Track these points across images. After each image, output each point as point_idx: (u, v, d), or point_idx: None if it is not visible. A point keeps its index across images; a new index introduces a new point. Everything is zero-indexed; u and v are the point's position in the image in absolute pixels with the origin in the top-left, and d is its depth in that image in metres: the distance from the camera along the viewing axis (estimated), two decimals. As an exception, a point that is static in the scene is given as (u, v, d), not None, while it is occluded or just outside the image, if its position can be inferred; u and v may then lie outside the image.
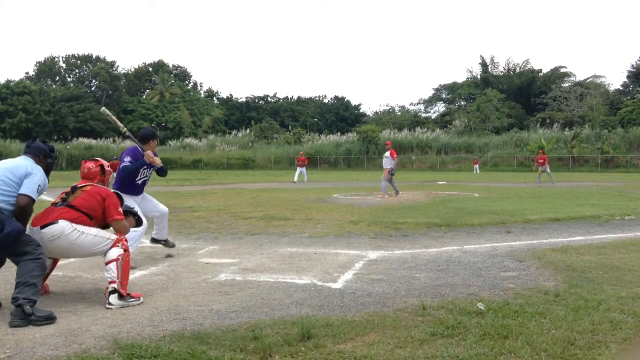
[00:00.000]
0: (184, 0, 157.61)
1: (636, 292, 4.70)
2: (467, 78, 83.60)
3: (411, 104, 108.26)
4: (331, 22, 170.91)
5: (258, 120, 79.18)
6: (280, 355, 3.28)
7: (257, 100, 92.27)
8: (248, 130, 74.10)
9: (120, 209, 4.89)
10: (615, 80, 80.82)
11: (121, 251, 4.61)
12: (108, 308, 4.41)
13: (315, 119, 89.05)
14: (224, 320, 4.02)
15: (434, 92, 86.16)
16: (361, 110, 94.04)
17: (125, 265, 4.60)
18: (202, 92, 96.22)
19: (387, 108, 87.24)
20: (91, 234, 4.60)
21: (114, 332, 3.76)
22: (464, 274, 5.62)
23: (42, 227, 4.46)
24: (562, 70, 76.70)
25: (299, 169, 28.56)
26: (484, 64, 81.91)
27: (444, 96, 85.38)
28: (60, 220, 4.49)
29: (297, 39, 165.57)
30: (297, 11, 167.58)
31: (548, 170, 26.81)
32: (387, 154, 17.31)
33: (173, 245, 7.01)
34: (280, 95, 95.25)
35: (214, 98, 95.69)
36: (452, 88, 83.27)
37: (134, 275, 5.58)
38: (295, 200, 14.56)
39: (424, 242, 7.74)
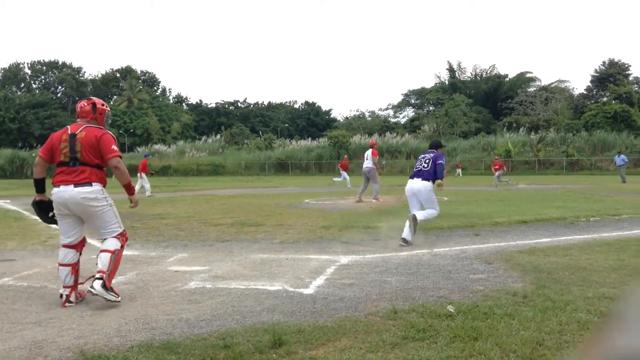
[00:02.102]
0: (152, 6, 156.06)
1: (602, 292, 4.80)
2: (436, 83, 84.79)
3: (381, 109, 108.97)
4: (302, 27, 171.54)
5: (228, 125, 78.69)
6: (252, 363, 3.24)
7: (227, 106, 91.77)
8: (218, 136, 73.59)
9: (114, 147, 4.94)
10: (580, 84, 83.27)
11: (119, 245, 4.87)
12: (89, 291, 4.61)
13: (286, 125, 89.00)
14: (193, 329, 3.97)
15: (403, 97, 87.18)
16: (332, 116, 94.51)
17: (117, 260, 4.84)
18: (171, 97, 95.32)
19: (358, 113, 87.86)
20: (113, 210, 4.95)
21: (80, 343, 3.67)
22: (434, 277, 5.67)
23: (76, 185, 4.74)
24: (528, 75, 78.41)
25: (343, 174, 28.30)
26: (451, 70, 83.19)
27: (412, 101, 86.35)
28: (94, 183, 4.82)
29: (268, 45, 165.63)
30: (267, 16, 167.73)
31: (498, 174, 27.24)
32: (369, 152, 16.67)
33: None
34: (251, 101, 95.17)
35: (183, 104, 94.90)
36: (420, 93, 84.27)
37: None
38: (266, 206, 14.49)
39: (395, 246, 7.78)
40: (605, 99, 61.97)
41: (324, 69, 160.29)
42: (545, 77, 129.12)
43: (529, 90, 73.50)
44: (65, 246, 4.95)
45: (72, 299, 4.79)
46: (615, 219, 10.83)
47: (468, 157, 54.53)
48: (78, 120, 5.12)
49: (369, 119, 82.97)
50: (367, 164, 16.56)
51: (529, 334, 3.66)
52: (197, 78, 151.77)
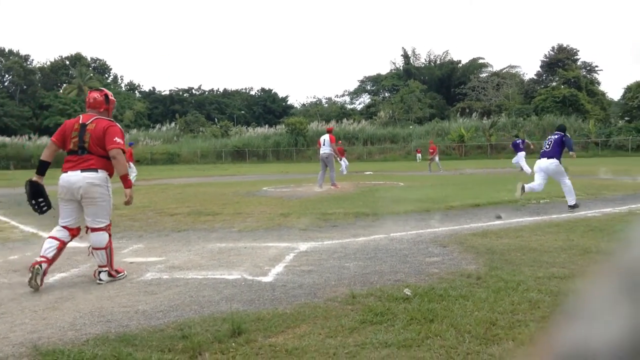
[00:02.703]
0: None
1: (552, 272, 4.98)
2: (391, 70, 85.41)
3: (337, 95, 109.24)
4: (256, 12, 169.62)
5: (183, 113, 77.31)
6: (211, 353, 3.23)
7: (181, 93, 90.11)
8: (172, 124, 72.24)
9: (117, 139, 5.26)
10: (530, 70, 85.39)
11: (107, 238, 5.26)
12: (99, 283, 5.08)
13: (243, 112, 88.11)
14: (150, 320, 3.92)
15: (359, 83, 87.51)
16: (289, 103, 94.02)
17: (111, 251, 5.30)
18: (123, 85, 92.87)
19: (314, 100, 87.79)
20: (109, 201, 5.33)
21: (33, 338, 3.58)
22: (391, 261, 5.76)
23: (82, 170, 5.12)
24: (480, 61, 79.83)
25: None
26: (406, 56, 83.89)
27: (368, 88, 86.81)
28: (100, 170, 5.20)
29: (222, 30, 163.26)
30: (221, 1, 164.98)
31: (437, 159, 27.99)
32: (327, 138, 16.35)
33: None
34: (206, 88, 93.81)
35: (136, 91, 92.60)
36: (376, 80, 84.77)
37: (54, 278, 5.35)
38: (223, 195, 14.36)
39: (353, 232, 7.85)
40: (554, 83, 63.72)
41: (280, 55, 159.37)
42: (497, 63, 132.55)
43: (481, 76, 74.90)
44: (62, 227, 5.23)
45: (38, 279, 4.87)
46: (565, 200, 11.20)
47: (423, 142, 55.32)
48: (89, 110, 5.44)
49: (326, 105, 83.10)
50: (325, 149, 16.35)
51: (482, 314, 3.77)
52: (150, 65, 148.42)
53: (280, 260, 5.96)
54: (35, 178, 5.29)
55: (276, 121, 75.03)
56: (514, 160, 24.37)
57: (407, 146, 54.63)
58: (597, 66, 69.93)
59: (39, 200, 5.30)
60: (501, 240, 6.74)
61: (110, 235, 5.32)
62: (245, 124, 76.35)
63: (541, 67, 68.15)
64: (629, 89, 56.81)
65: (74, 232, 5.29)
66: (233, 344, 3.36)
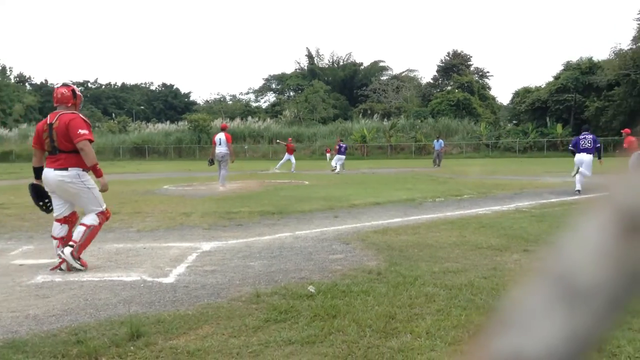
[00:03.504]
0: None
1: (447, 267, 5.25)
2: (296, 69, 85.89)
3: (242, 93, 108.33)
4: (158, 4, 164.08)
5: (78, 107, 73.16)
6: (108, 357, 3.11)
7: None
8: (66, 119, 68.16)
9: (81, 131, 5.34)
10: (427, 74, 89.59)
11: (96, 222, 5.47)
12: (59, 255, 5.29)
13: (142, 107, 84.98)
14: (42, 325, 3.69)
15: (264, 82, 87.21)
16: (191, 99, 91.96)
17: (91, 234, 5.43)
18: (12, 77, 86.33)
19: (219, 97, 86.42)
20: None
21: None
22: (296, 259, 5.81)
23: (55, 169, 5.34)
24: (381, 64, 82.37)
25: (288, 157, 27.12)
26: (310, 56, 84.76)
27: (273, 86, 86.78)
28: (70, 168, 5.36)
29: (120, 21, 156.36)
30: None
31: (330, 156, 28.89)
32: (222, 136, 15.78)
33: None
34: (102, 81, 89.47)
35: (26, 84, 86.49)
36: (281, 79, 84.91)
37: None
38: (121, 193, 13.76)
39: (258, 231, 7.83)
40: (449, 87, 66.98)
41: (183, 50, 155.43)
42: (396, 67, 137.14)
43: (382, 78, 77.21)
44: (56, 220, 5.57)
45: (62, 267, 5.32)
46: (458, 199, 11.84)
47: (327, 142, 56.21)
48: (57, 106, 5.58)
49: (230, 102, 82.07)
50: (221, 149, 15.71)
51: (382, 308, 3.90)
52: (42, 56, 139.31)
53: (182, 261, 5.82)
54: (36, 182, 5.62)
55: (178, 117, 73.02)
56: (333, 162, 26.32)
57: (312, 145, 55.23)
58: (488, 72, 74.59)
59: (45, 201, 5.65)
60: (400, 237, 7.00)
61: (100, 224, 5.59)
62: (144, 120, 73.65)
63: (437, 71, 71.38)
64: (516, 94, 61.00)
65: (66, 222, 5.58)
66: (132, 347, 3.24)
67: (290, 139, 33.43)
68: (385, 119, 61.09)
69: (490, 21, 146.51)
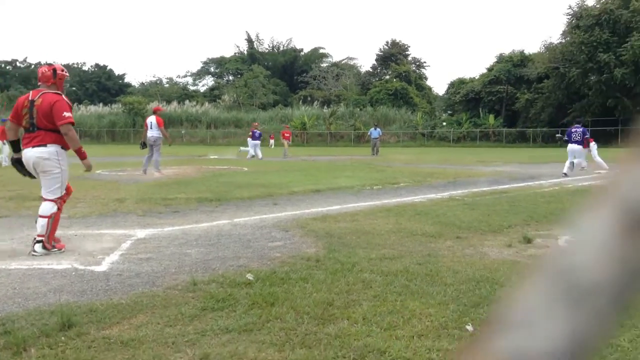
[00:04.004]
0: None
1: (384, 253, 5.34)
2: (235, 53, 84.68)
3: (179, 76, 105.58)
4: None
5: (5, 87, 69.45)
6: (38, 348, 2.99)
7: (3, 65, 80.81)
8: (-8, 99, 64.65)
9: (66, 113, 5.36)
10: (366, 62, 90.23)
11: (55, 209, 5.41)
12: (33, 255, 5.23)
13: (74, 88, 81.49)
14: (-37, 318, 3.50)
15: (202, 65, 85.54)
16: (126, 81, 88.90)
17: (54, 222, 5.40)
18: None
19: (155, 79, 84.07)
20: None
21: None
22: (234, 246, 5.76)
23: (33, 147, 5.33)
24: (321, 51, 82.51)
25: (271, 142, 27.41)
26: (250, 40, 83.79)
27: (212, 70, 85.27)
28: (49, 145, 5.36)
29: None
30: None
31: (272, 144, 28.96)
32: (154, 120, 15.09)
33: None
34: (32, 61, 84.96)
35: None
36: (220, 62, 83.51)
37: None
38: (51, 178, 13.19)
39: (195, 218, 7.71)
40: (387, 77, 67.95)
41: (117, 29, 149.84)
42: (337, 54, 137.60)
43: (322, 65, 77.42)
44: (43, 199, 5.51)
45: (36, 248, 5.34)
46: (395, 187, 12.07)
47: (267, 128, 55.89)
48: (40, 85, 5.60)
49: (167, 85, 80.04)
50: (153, 132, 15.04)
51: (320, 295, 3.93)
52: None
53: (115, 249, 5.66)
54: (16, 156, 5.58)
55: (112, 100, 70.59)
56: (246, 149, 27.55)
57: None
58: (425, 62, 76.11)
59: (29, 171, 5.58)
60: (339, 224, 7.07)
61: (59, 209, 5.52)
62: (76, 102, 70.73)
63: (376, 60, 72.19)
64: (452, 85, 62.62)
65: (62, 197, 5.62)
66: (62, 337, 3.13)
67: (287, 125, 33.64)
68: (325, 107, 61.36)
69: (427, 12, 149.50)
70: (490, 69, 57.28)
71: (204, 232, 6.58)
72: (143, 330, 3.27)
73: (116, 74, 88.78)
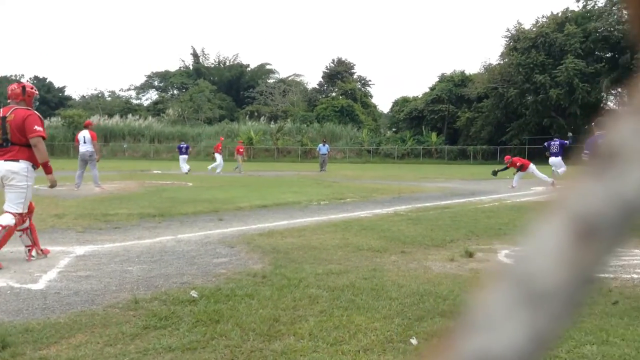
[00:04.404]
0: None
1: (330, 268, 5.36)
2: (180, 67, 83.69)
3: (122, 89, 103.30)
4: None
5: None
6: (-34, 373, 2.83)
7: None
8: None
9: (37, 127, 5.62)
10: (313, 79, 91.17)
11: (12, 222, 5.48)
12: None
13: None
14: None
15: (146, 79, 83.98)
16: (66, 93, 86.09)
17: (7, 234, 5.46)
18: None
19: (97, 92, 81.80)
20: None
21: None
22: (178, 263, 5.65)
23: (5, 160, 5.53)
24: (268, 67, 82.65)
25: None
26: (195, 55, 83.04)
27: (156, 84, 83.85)
28: (21, 160, 5.59)
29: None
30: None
31: (240, 160, 28.73)
32: (87, 134, 14.89)
33: None
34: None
35: None
36: (164, 76, 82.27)
37: None
38: (-17, 193, 12.61)
39: (137, 234, 7.52)
40: (334, 94, 68.67)
41: (57, 41, 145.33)
42: (283, 70, 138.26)
43: (269, 81, 77.48)
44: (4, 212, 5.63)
45: (33, 254, 5.73)
46: (341, 202, 12.17)
47: (212, 143, 55.27)
48: (10, 102, 5.81)
49: (109, 99, 78.05)
50: (87, 147, 14.82)
51: (267, 311, 3.91)
52: None
53: (53, 266, 5.45)
54: None
55: (51, 113, 68.22)
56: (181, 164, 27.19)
57: (196, 146, 54.07)
58: (370, 80, 77.52)
59: None
60: (285, 239, 7.06)
61: (15, 225, 5.56)
62: (13, 114, 67.91)
63: (323, 77, 72.83)
64: (396, 103, 63.94)
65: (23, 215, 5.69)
66: (-6, 361, 2.98)
67: (240, 141, 33.56)
68: (272, 122, 61.35)
69: (372, 32, 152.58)
70: (432, 88, 58.86)
71: (147, 249, 6.43)
72: (82, 350, 3.15)
73: (56, 86, 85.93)
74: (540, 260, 0.36)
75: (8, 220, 5.47)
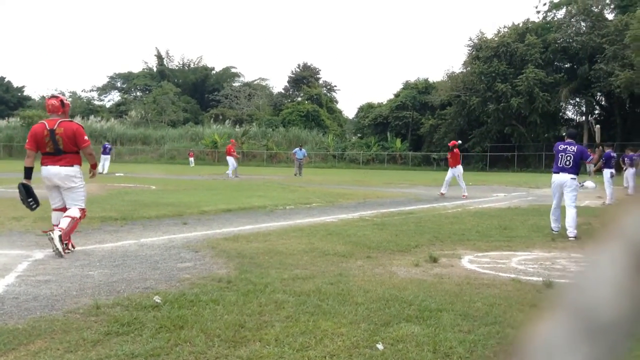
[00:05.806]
0: None
1: (296, 273, 5.35)
2: (143, 69, 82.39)
3: (84, 90, 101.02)
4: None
5: None
6: None
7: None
8: None
9: (86, 137, 6.51)
10: (278, 84, 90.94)
11: (78, 215, 6.32)
12: (47, 235, 6.05)
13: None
14: None
15: (108, 80, 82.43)
16: (25, 93, 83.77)
17: (74, 225, 6.27)
18: None
19: (57, 93, 79.86)
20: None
21: None
22: (141, 268, 5.55)
23: (61, 166, 6.31)
24: (233, 70, 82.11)
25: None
26: (159, 57, 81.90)
27: (119, 85, 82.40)
28: (75, 165, 6.41)
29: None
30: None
31: (192, 162, 28.31)
32: None
33: None
34: None
35: None
36: (127, 78, 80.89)
37: None
38: None
39: (99, 238, 7.37)
40: (299, 98, 68.70)
41: (15, 39, 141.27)
42: (249, 74, 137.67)
43: (234, 85, 76.98)
44: (54, 210, 6.48)
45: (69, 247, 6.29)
46: (307, 207, 12.18)
47: (176, 145, 54.63)
48: (50, 115, 6.42)
49: (70, 99, 76.12)
50: None
51: (232, 317, 3.87)
52: None
53: (10, 270, 5.29)
54: (25, 181, 6.43)
55: (9, 113, 66.31)
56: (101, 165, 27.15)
57: (160, 149, 53.31)
58: (335, 86, 77.77)
59: (30, 200, 6.39)
60: (251, 244, 7.02)
61: (80, 218, 6.42)
62: (-31, 114, 65.75)
63: (288, 82, 72.87)
64: (361, 109, 64.34)
65: (64, 211, 6.34)
66: (-53, 370, 2.87)
67: (232, 140, 32.08)
68: (238, 126, 60.95)
69: (338, 38, 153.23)
70: (397, 95, 59.42)
71: (108, 253, 6.30)
72: (41, 357, 3.06)
73: (15, 86, 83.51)
74: (599, 292, 0.35)
75: (76, 212, 6.29)
